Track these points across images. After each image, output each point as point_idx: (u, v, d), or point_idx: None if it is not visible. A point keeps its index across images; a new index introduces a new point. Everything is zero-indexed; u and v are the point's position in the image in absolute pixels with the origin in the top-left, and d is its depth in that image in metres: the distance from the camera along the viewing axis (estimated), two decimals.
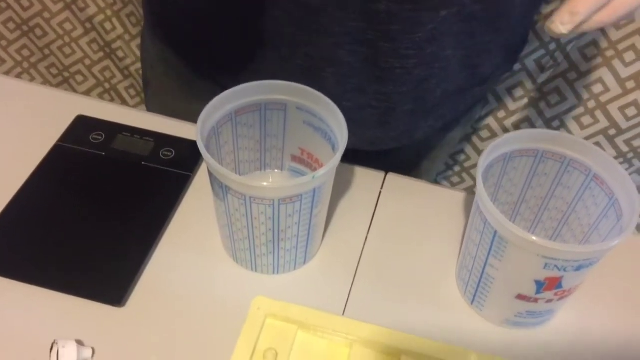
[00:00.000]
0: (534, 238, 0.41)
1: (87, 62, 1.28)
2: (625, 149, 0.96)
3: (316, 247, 0.54)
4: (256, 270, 0.53)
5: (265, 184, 0.44)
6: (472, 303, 0.51)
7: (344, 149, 0.47)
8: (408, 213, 0.59)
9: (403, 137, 0.66)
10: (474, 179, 1.09)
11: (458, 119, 0.75)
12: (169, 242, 0.54)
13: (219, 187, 0.47)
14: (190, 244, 0.54)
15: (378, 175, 0.62)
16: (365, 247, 0.56)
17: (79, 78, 1.35)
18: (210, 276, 0.52)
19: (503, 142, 0.48)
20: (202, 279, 0.52)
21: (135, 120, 0.64)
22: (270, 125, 0.54)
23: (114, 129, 0.62)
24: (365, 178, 0.61)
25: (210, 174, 0.47)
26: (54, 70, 1.34)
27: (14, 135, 0.62)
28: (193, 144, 0.62)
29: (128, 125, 0.63)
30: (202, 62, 0.64)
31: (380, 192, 0.60)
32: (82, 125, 0.62)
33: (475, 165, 1.07)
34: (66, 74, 1.34)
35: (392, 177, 0.62)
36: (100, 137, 0.61)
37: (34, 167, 0.58)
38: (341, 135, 0.48)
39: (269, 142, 0.55)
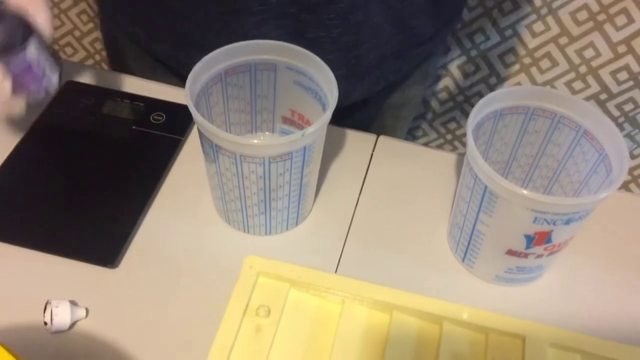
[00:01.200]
0: (524, 191, 0.41)
1: (77, 33, 1.27)
2: (616, 113, 0.96)
3: (308, 208, 0.55)
4: (248, 232, 0.53)
5: (255, 141, 0.44)
6: (463, 261, 0.52)
7: (334, 106, 0.47)
8: (399, 175, 0.59)
9: (340, 99, 0.65)
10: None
11: (409, 77, 0.74)
12: (161, 204, 0.54)
13: (209, 146, 0.47)
14: (182, 206, 0.55)
15: (369, 137, 0.62)
16: (357, 208, 0.56)
17: (69, 50, 1.33)
18: (202, 238, 0.52)
19: (493, 99, 0.48)
20: (194, 240, 0.52)
21: (125, 85, 0.63)
22: (261, 86, 0.54)
23: (103, 94, 0.62)
24: (357, 141, 0.61)
25: (201, 134, 0.47)
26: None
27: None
28: (184, 108, 0.61)
29: (118, 90, 0.62)
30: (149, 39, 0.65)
31: (372, 154, 0.60)
32: (72, 91, 0.62)
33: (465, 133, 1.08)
34: (55, 47, 1.33)
35: (383, 139, 0.62)
36: (90, 102, 0.61)
37: (24, 131, 0.58)
38: (331, 93, 0.48)
39: (260, 103, 0.55)
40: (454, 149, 1.10)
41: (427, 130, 1.09)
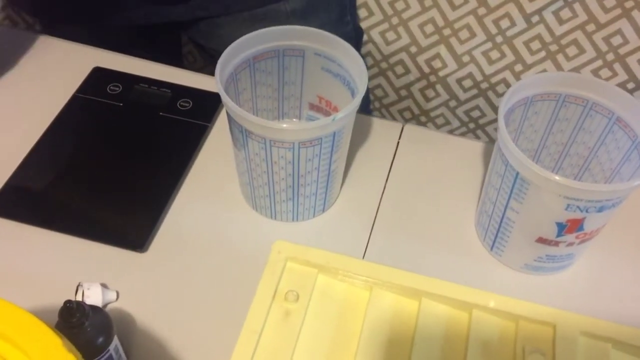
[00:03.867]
0: (556, 177, 0.41)
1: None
2: None
3: (335, 195, 0.54)
4: (275, 218, 0.53)
5: (285, 125, 0.44)
6: (491, 249, 0.51)
7: (364, 92, 0.46)
8: (426, 163, 0.58)
9: None
10: (489, 136, 1.08)
11: None
12: (189, 190, 0.55)
13: (238, 131, 0.47)
14: (210, 192, 0.55)
15: (396, 125, 0.61)
16: (383, 195, 0.56)
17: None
18: (229, 223, 0.53)
19: (524, 85, 0.47)
20: (221, 226, 0.52)
21: (152, 72, 0.63)
22: (289, 73, 0.54)
23: (130, 80, 0.62)
24: (383, 129, 0.61)
25: (230, 119, 0.47)
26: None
27: (33, 87, 0.62)
28: (210, 94, 0.62)
29: (145, 77, 0.63)
30: None
31: (398, 142, 0.60)
32: (99, 77, 0.62)
33: (490, 122, 1.06)
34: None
35: (410, 127, 0.61)
36: (117, 89, 0.61)
37: (53, 117, 0.58)
38: (360, 79, 0.48)
39: (287, 90, 0.55)
40: (477, 138, 1.09)
41: (449, 118, 1.08)
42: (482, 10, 0.96)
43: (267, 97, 0.55)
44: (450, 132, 1.09)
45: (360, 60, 0.48)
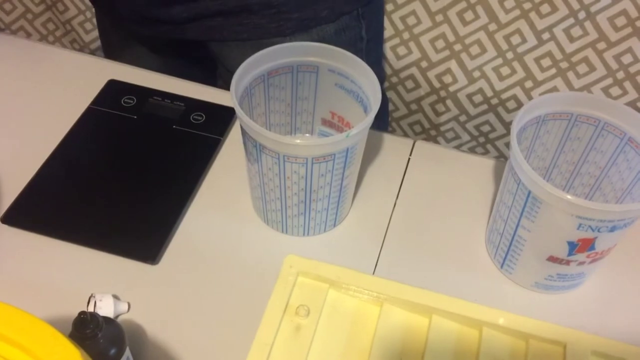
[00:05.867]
0: (568, 197, 0.41)
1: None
2: None
3: (346, 210, 0.55)
4: (287, 232, 0.53)
5: (299, 141, 0.45)
6: (501, 267, 0.51)
7: (377, 109, 0.47)
8: (437, 179, 0.59)
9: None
10: (498, 150, 1.08)
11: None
12: (201, 203, 0.55)
13: (252, 145, 0.47)
14: (221, 205, 0.55)
15: (407, 141, 0.62)
16: (394, 211, 0.56)
17: (100, 54, 1.35)
18: (241, 237, 0.53)
19: (537, 104, 0.48)
20: (233, 239, 0.53)
21: (166, 85, 0.64)
22: (302, 88, 0.54)
23: (145, 93, 0.63)
24: (394, 144, 0.61)
25: (244, 134, 0.48)
26: (75, 45, 1.35)
27: (48, 98, 0.63)
28: (223, 108, 0.63)
29: (159, 90, 0.63)
30: None
31: (409, 158, 0.60)
32: (114, 89, 0.63)
33: (500, 137, 1.06)
34: (87, 50, 1.35)
35: (421, 144, 0.62)
36: (131, 101, 0.62)
37: (67, 129, 0.59)
38: (374, 96, 0.48)
39: (300, 105, 0.56)
40: (486, 152, 1.09)
41: (459, 133, 1.08)
42: (493, 26, 0.96)
43: (281, 112, 0.56)
44: (460, 146, 1.10)
45: (374, 77, 0.49)
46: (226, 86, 0.67)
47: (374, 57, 0.77)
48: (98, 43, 1.30)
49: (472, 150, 1.08)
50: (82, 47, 1.33)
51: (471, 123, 1.05)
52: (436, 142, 1.08)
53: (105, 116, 0.61)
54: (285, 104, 0.55)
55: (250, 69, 0.50)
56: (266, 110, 0.54)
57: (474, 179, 0.59)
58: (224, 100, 0.63)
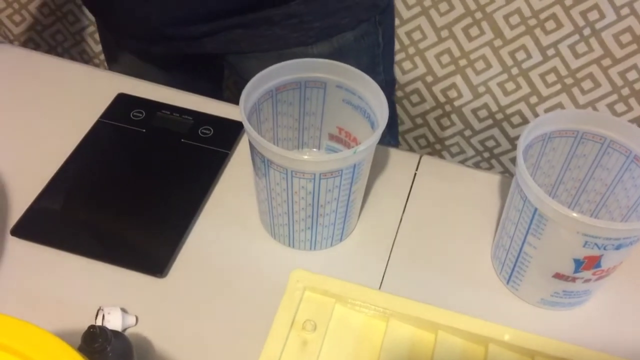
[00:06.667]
0: (574, 215, 0.41)
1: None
2: None
3: (352, 225, 0.55)
4: (293, 246, 0.53)
5: (306, 157, 0.45)
6: (507, 283, 0.51)
7: (385, 125, 0.47)
8: (443, 194, 0.59)
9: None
10: (503, 165, 1.08)
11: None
12: (208, 217, 0.56)
13: (260, 161, 0.48)
14: (228, 219, 0.56)
15: (413, 156, 0.62)
16: (400, 226, 0.56)
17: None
18: (248, 250, 0.53)
19: (543, 121, 0.48)
20: (240, 253, 0.53)
21: (174, 99, 0.65)
22: (310, 104, 0.55)
23: (153, 107, 0.63)
24: (400, 159, 0.62)
25: (253, 148, 0.48)
26: (85, 56, 1.37)
27: (58, 111, 0.63)
28: (231, 122, 0.63)
29: (167, 104, 0.64)
30: None
31: (415, 173, 0.61)
32: (123, 103, 0.64)
33: (504, 152, 1.07)
34: (96, 61, 1.36)
35: (427, 159, 0.62)
36: (140, 115, 0.62)
37: (77, 142, 0.60)
38: (381, 113, 0.49)
39: (308, 120, 0.56)
40: (491, 167, 1.09)
41: (464, 147, 1.09)
42: (498, 42, 0.97)
43: (288, 127, 0.56)
44: (465, 160, 1.10)
45: (382, 94, 0.49)
46: (236, 99, 0.68)
47: (388, 62, 0.78)
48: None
49: (476, 165, 1.09)
50: (92, 58, 1.34)
51: (476, 138, 1.06)
52: (441, 156, 1.09)
53: (115, 129, 0.61)
54: (293, 119, 0.56)
55: (259, 84, 0.50)
56: (274, 125, 0.55)
57: (480, 194, 0.59)
58: (232, 114, 0.64)
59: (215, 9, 0.66)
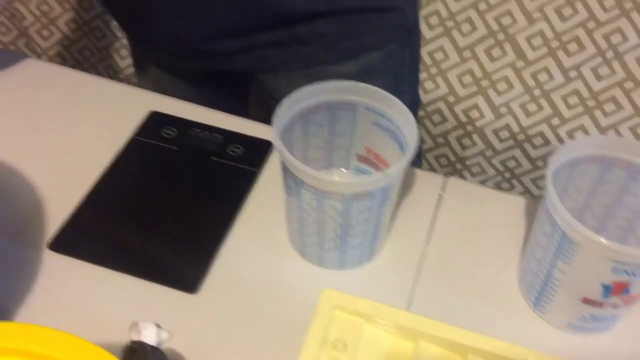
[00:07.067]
0: (603, 241, 0.42)
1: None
2: None
3: (380, 245, 0.56)
4: (322, 265, 0.54)
5: (339, 179, 0.46)
6: (535, 306, 0.52)
7: (415, 149, 0.48)
8: (468, 216, 0.60)
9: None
10: (524, 185, 1.09)
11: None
12: (238, 234, 0.57)
13: (292, 181, 0.49)
14: (258, 237, 0.57)
15: (438, 177, 0.63)
16: (427, 246, 0.57)
17: (134, 80, 1.39)
18: (277, 269, 0.54)
19: (570, 147, 0.49)
20: (269, 271, 0.54)
21: (204, 117, 0.66)
22: (339, 125, 0.56)
23: (184, 125, 0.65)
24: (425, 180, 0.63)
25: (285, 169, 0.49)
26: (111, 71, 1.39)
27: (92, 127, 0.65)
28: (259, 141, 0.64)
29: (197, 122, 0.65)
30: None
31: (441, 195, 0.61)
32: (155, 121, 0.65)
33: (525, 173, 1.07)
34: (122, 76, 1.39)
35: (452, 180, 0.63)
36: (172, 132, 0.64)
37: (111, 158, 0.61)
38: (411, 136, 0.50)
39: (337, 141, 0.57)
40: (512, 187, 1.10)
41: (485, 167, 1.10)
42: (520, 63, 0.98)
43: (318, 147, 0.57)
44: (486, 180, 1.11)
45: (411, 117, 0.50)
46: (263, 115, 0.70)
47: (413, 81, 0.80)
48: (131, 69, 1.34)
49: (497, 185, 1.09)
50: (117, 73, 1.37)
51: (497, 158, 1.06)
52: (462, 175, 1.09)
53: (148, 147, 0.63)
54: (323, 140, 0.57)
55: (291, 106, 0.51)
56: (304, 146, 0.56)
57: (505, 216, 0.60)
58: (261, 133, 0.65)
59: (244, 25, 0.68)
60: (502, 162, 1.07)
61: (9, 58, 0.73)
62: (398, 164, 0.47)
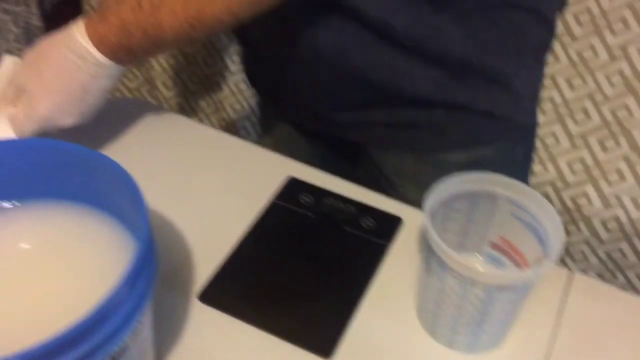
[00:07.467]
0: None
1: (253, 119, 1.40)
2: None
3: (508, 332, 0.57)
4: (451, 347, 0.56)
5: (490, 271, 0.48)
6: None
7: (561, 246, 0.50)
8: (596, 316, 0.60)
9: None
10: (627, 278, 1.07)
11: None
12: (369, 305, 0.59)
13: (437, 264, 0.51)
14: (387, 310, 0.59)
15: (563, 272, 0.64)
16: (554, 341, 0.57)
17: (242, 133, 1.47)
18: (407, 346, 0.56)
19: None
20: (400, 347, 0.56)
21: (337, 186, 0.70)
22: (478, 213, 0.58)
23: (320, 193, 0.69)
24: (550, 275, 0.63)
25: (430, 251, 0.52)
26: (222, 122, 1.48)
27: (234, 186, 0.70)
28: (390, 216, 0.68)
29: (332, 191, 0.69)
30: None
31: (566, 290, 0.62)
32: (293, 186, 0.70)
33: (631, 266, 1.05)
34: (232, 128, 1.47)
35: (579, 277, 0.64)
36: (309, 199, 0.68)
37: (252, 217, 0.66)
38: (555, 233, 0.51)
39: (473, 227, 0.60)
40: (614, 278, 1.08)
41: (588, 255, 1.08)
42: (634, 157, 0.98)
43: (453, 231, 0.60)
44: (587, 269, 1.09)
45: (556, 216, 0.52)
46: (367, 182, 0.73)
47: (523, 177, 0.81)
48: (243, 122, 1.42)
49: (600, 275, 1.08)
50: (229, 125, 1.45)
51: (602, 248, 1.05)
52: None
53: (287, 211, 0.67)
54: (459, 225, 0.59)
55: (439, 192, 0.55)
56: (441, 229, 0.58)
57: (634, 319, 0.60)
58: (390, 207, 0.68)
59: (363, 102, 0.73)
60: (607, 253, 1.06)
61: (153, 110, 0.80)
62: (546, 262, 0.48)
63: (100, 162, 0.47)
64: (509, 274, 0.49)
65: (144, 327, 0.44)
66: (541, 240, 0.54)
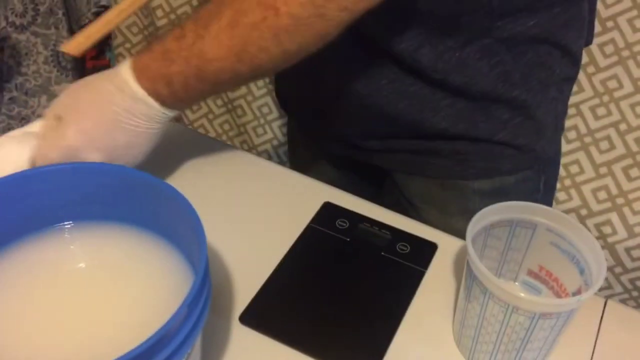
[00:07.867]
0: None
1: (275, 142, 1.42)
2: None
3: (547, 358, 0.58)
4: None
5: (534, 298, 0.49)
6: None
7: (603, 278, 0.51)
8: (629, 343, 0.60)
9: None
10: None
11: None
12: (406, 330, 0.60)
13: (480, 291, 0.52)
14: (425, 335, 0.60)
15: (597, 300, 0.64)
16: None
17: (264, 156, 1.49)
18: None
19: None
20: None
21: (371, 212, 0.71)
22: (516, 240, 0.59)
23: (356, 218, 0.70)
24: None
25: (472, 277, 0.53)
26: (245, 146, 1.50)
27: (272, 210, 0.72)
28: (425, 242, 0.69)
29: (368, 217, 0.71)
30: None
31: (601, 317, 0.63)
32: (329, 211, 0.71)
33: None
34: (254, 152, 1.49)
35: (611, 304, 0.64)
36: (344, 224, 0.69)
37: (290, 242, 0.67)
38: (596, 262, 0.52)
39: (510, 254, 0.61)
40: (638, 306, 1.08)
41: (612, 283, 1.09)
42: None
43: (491, 258, 0.61)
44: (611, 296, 1.10)
45: (597, 244, 0.53)
46: (391, 206, 0.75)
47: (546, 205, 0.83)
48: (265, 146, 1.44)
49: (623, 302, 1.08)
50: (251, 148, 1.47)
51: (626, 276, 1.06)
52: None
53: (323, 235, 0.68)
54: (497, 252, 0.60)
55: (481, 220, 0.56)
56: (479, 256, 0.59)
57: None
58: (425, 233, 0.69)
59: (390, 131, 0.75)
60: (632, 281, 1.06)
61: (193, 136, 0.82)
62: (590, 290, 0.49)
63: (163, 190, 0.48)
64: (553, 301, 0.50)
65: (195, 352, 0.46)
66: (580, 268, 0.55)
